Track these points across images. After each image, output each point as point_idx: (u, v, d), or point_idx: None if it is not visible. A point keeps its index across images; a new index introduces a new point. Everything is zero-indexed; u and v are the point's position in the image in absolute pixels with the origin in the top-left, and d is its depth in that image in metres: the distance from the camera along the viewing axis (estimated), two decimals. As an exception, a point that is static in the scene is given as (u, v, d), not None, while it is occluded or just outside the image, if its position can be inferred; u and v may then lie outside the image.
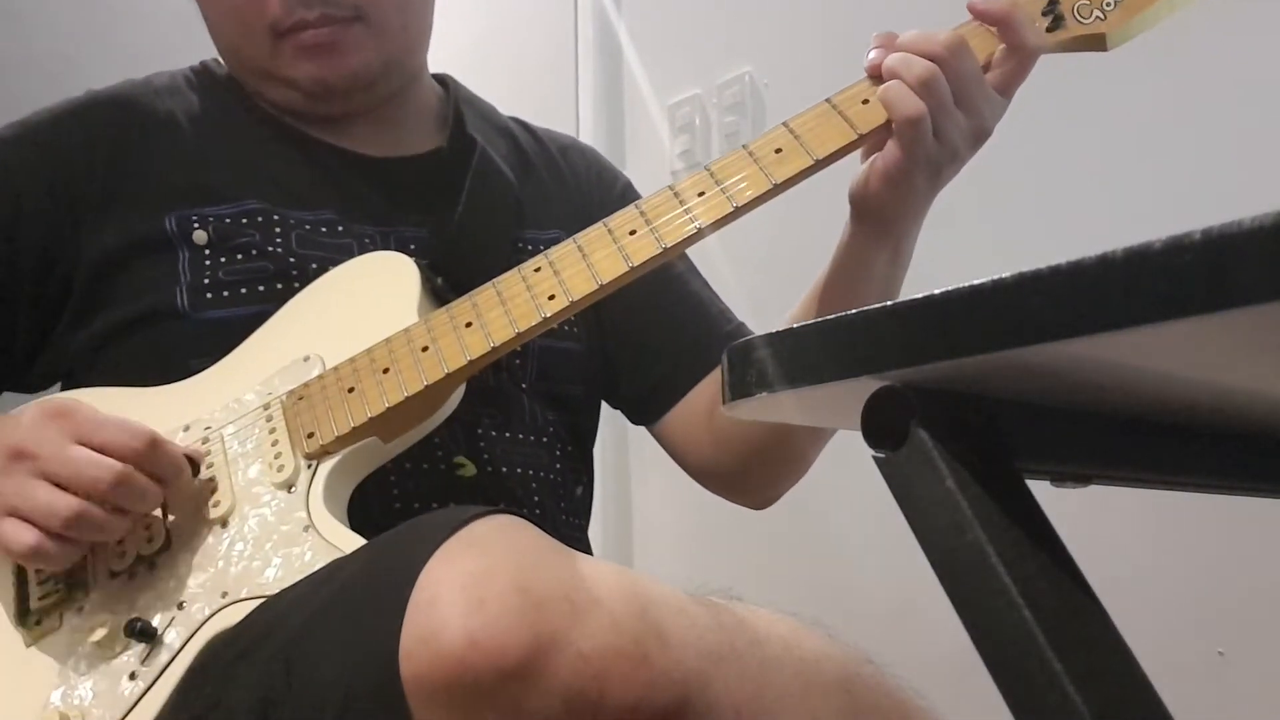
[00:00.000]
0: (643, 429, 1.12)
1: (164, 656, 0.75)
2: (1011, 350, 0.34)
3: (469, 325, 0.83)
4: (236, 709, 0.63)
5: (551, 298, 0.82)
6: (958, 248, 1.50)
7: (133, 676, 0.75)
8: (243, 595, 0.76)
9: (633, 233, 0.83)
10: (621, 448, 1.88)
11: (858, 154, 0.87)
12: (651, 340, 1.07)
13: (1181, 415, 0.45)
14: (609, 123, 2.01)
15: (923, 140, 0.81)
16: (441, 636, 0.55)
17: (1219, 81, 1.32)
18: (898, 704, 0.62)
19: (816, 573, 1.59)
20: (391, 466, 0.87)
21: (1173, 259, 0.30)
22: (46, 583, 0.83)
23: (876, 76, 0.83)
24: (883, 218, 0.88)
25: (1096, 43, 0.82)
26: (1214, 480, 0.53)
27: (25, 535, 0.76)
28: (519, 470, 0.95)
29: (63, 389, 0.99)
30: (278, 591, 0.73)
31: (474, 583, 0.56)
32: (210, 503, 0.81)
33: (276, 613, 0.70)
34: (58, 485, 0.76)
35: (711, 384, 1.05)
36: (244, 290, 0.92)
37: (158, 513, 0.81)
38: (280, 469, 0.81)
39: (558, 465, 0.99)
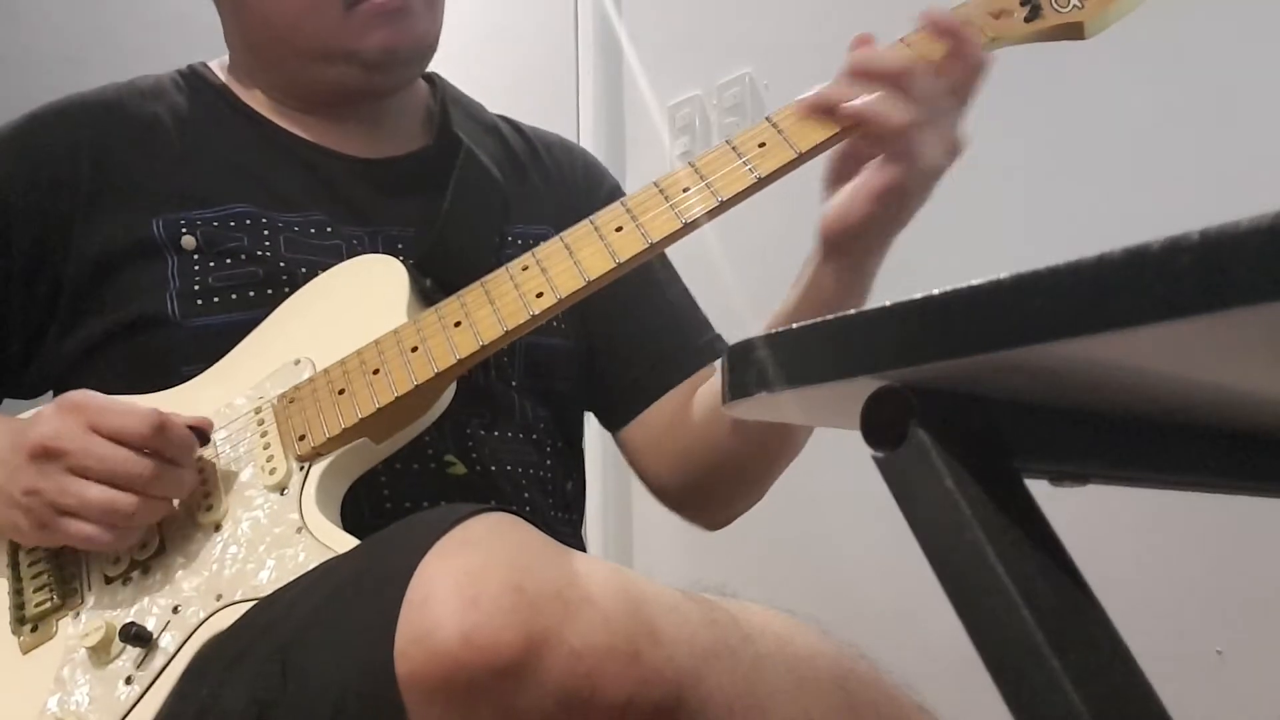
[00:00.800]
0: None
1: (159, 660, 0.75)
2: (1011, 350, 0.34)
3: (458, 325, 0.84)
4: (232, 710, 0.63)
5: (539, 295, 0.82)
6: (957, 248, 1.50)
7: (129, 681, 0.75)
8: (237, 598, 0.76)
9: (619, 229, 0.83)
10: (621, 448, 1.88)
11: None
12: (623, 347, 1.07)
13: (1180, 415, 0.45)
14: (609, 124, 2.02)
15: (918, 148, 0.80)
16: (436, 635, 0.55)
17: (1218, 81, 1.32)
18: (893, 701, 0.62)
19: (816, 572, 1.59)
20: (382, 467, 0.87)
21: (1171, 259, 0.30)
22: (42, 589, 0.83)
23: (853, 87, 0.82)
24: (864, 248, 0.87)
25: (1075, 31, 0.82)
26: (1213, 480, 0.53)
27: (92, 530, 0.77)
28: (509, 468, 0.95)
29: (54, 394, 0.99)
30: (272, 593, 0.74)
31: (468, 581, 0.56)
32: (203, 506, 0.81)
33: (271, 614, 0.70)
34: (96, 481, 0.77)
35: (677, 396, 1.05)
36: (234, 296, 0.92)
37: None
38: (272, 472, 0.81)
39: (548, 462, 0.99)
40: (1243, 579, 1.26)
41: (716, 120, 1.85)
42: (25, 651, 0.81)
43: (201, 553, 0.79)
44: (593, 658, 0.55)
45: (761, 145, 0.82)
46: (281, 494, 0.80)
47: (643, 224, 0.82)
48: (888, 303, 0.38)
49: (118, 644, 0.77)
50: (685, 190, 0.83)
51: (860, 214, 0.83)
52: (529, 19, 2.18)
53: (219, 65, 1.09)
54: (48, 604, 0.82)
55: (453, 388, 0.87)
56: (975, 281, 0.35)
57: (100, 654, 0.77)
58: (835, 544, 1.62)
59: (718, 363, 1.06)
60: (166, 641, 0.76)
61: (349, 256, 0.95)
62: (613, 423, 1.10)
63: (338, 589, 0.67)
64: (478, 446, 0.94)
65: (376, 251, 0.96)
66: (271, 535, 0.78)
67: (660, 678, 0.55)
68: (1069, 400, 0.41)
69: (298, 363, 0.88)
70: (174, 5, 2.02)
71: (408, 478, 0.90)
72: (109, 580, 0.81)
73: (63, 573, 0.83)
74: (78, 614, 0.81)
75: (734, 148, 0.83)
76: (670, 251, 1.03)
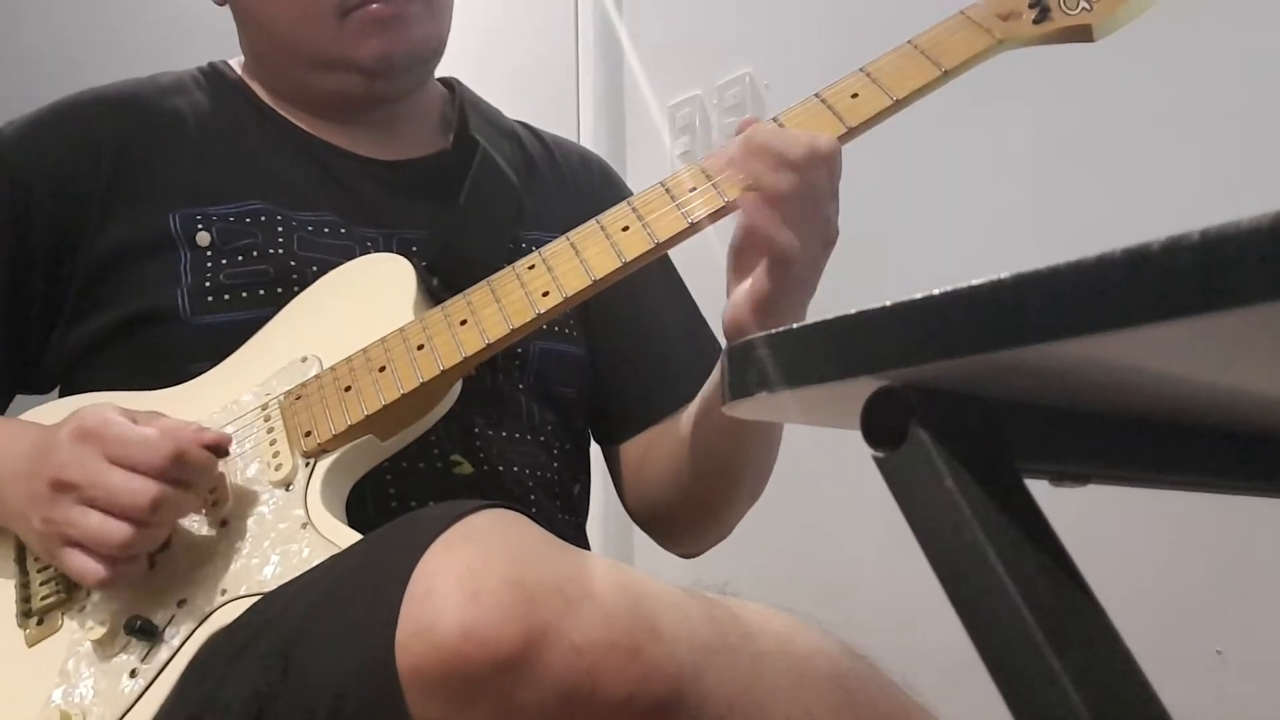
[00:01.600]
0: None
1: (164, 654, 0.75)
2: (1011, 350, 0.35)
3: (464, 323, 0.84)
4: (234, 703, 0.63)
5: (545, 294, 0.83)
6: (957, 248, 1.50)
7: (133, 674, 0.76)
8: (241, 593, 0.76)
9: (625, 229, 0.83)
10: (622, 447, 1.88)
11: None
12: (623, 368, 1.07)
13: (1180, 415, 0.45)
14: (609, 123, 2.02)
15: (784, 248, 0.79)
16: (437, 628, 0.56)
17: (1218, 81, 1.32)
18: (892, 699, 0.62)
19: (816, 572, 1.59)
20: (388, 465, 0.87)
21: (1171, 259, 0.30)
22: (48, 583, 0.84)
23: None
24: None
25: (1083, 34, 0.82)
26: (1213, 480, 0.53)
27: (95, 567, 0.76)
28: (515, 469, 0.96)
29: (61, 389, 0.99)
30: (275, 588, 0.74)
31: (469, 575, 0.57)
32: (209, 502, 0.81)
33: (275, 608, 0.70)
34: (100, 510, 0.76)
35: (666, 425, 1.05)
36: (244, 294, 0.92)
37: None
38: (278, 468, 0.81)
39: (555, 464, 0.99)
40: (1243, 579, 1.26)
41: (716, 120, 1.85)
42: (31, 644, 0.82)
43: (207, 547, 0.80)
44: (593, 653, 0.55)
45: None
46: (287, 490, 0.81)
47: (649, 224, 0.82)
48: (888, 303, 0.38)
49: (122, 637, 0.77)
50: (692, 190, 0.83)
51: (750, 320, 0.83)
52: (529, 19, 2.18)
53: (238, 64, 1.09)
54: (53, 598, 0.83)
55: (458, 385, 0.88)
56: (975, 281, 0.35)
57: (105, 647, 0.77)
58: (835, 544, 1.62)
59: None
60: (171, 635, 0.76)
61: (361, 256, 0.95)
62: (605, 439, 1.10)
63: (340, 583, 0.67)
64: (484, 446, 0.94)
65: (390, 253, 0.96)
66: (276, 531, 0.78)
67: (661, 674, 0.55)
68: (1069, 400, 0.41)
69: (305, 360, 0.88)
70: (174, 5, 2.02)
71: (414, 477, 0.90)
72: None
73: None
74: (83, 607, 0.81)
75: None
76: (672, 252, 1.03)
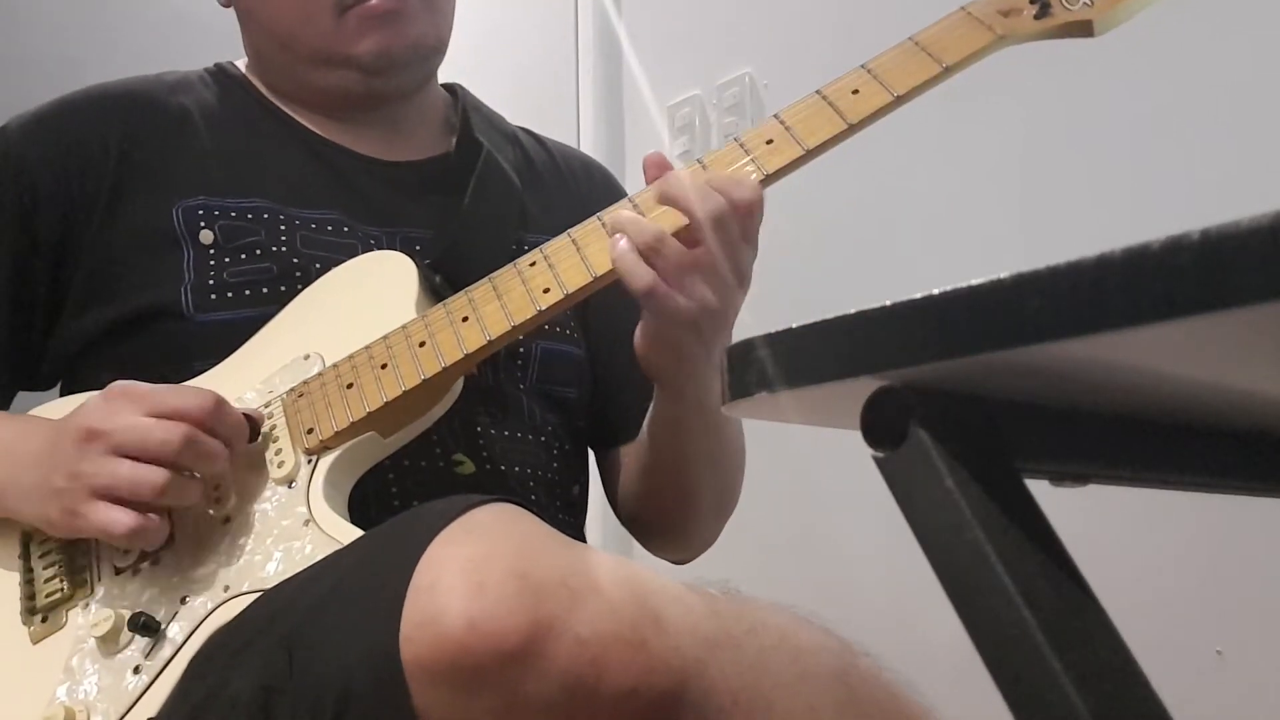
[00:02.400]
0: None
1: (167, 650, 0.76)
2: (1011, 350, 0.35)
3: (465, 320, 0.84)
4: (238, 697, 0.63)
5: (546, 291, 0.83)
6: (956, 248, 1.50)
7: (137, 670, 0.76)
8: (244, 589, 0.76)
9: None
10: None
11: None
12: (619, 376, 1.07)
13: (1181, 415, 0.45)
14: (609, 123, 2.02)
15: (664, 305, 0.79)
16: (441, 620, 0.56)
17: (1219, 81, 1.32)
18: (894, 697, 0.62)
19: (816, 572, 1.59)
20: (390, 464, 0.88)
21: (1171, 259, 0.30)
22: (52, 580, 0.84)
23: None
24: (667, 379, 0.89)
25: (1084, 29, 0.82)
26: (1213, 480, 0.53)
27: (122, 517, 0.76)
28: (517, 468, 0.96)
29: (63, 386, 0.99)
30: (278, 584, 0.74)
31: (474, 567, 0.57)
32: (212, 499, 0.82)
33: (279, 603, 0.71)
34: (131, 458, 0.76)
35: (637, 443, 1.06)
36: (247, 292, 0.93)
37: None
38: (281, 465, 0.82)
39: (555, 464, 1.00)
40: (1243, 579, 1.26)
41: (716, 120, 1.85)
42: (35, 641, 0.82)
43: (210, 544, 0.80)
44: (598, 645, 0.55)
45: (769, 142, 0.83)
46: (289, 487, 0.81)
47: (651, 220, 0.82)
48: (888, 303, 0.38)
49: (126, 634, 0.77)
50: None
51: (645, 351, 0.85)
52: (529, 19, 2.18)
53: (243, 64, 1.09)
54: (58, 594, 0.83)
55: (460, 383, 0.88)
56: (975, 281, 0.35)
57: (109, 644, 0.78)
58: (835, 544, 1.62)
59: None
60: (174, 632, 0.77)
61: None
62: (597, 443, 1.10)
63: (344, 577, 0.68)
64: (487, 446, 0.94)
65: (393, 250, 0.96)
66: (279, 528, 0.79)
67: (665, 666, 0.56)
68: (1069, 400, 0.41)
69: (307, 357, 0.88)
70: (174, 5, 2.02)
71: (416, 475, 0.90)
72: (118, 571, 0.82)
73: (73, 564, 0.84)
74: (87, 604, 0.82)
75: (741, 145, 0.84)
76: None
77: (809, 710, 0.58)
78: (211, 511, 0.81)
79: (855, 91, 0.83)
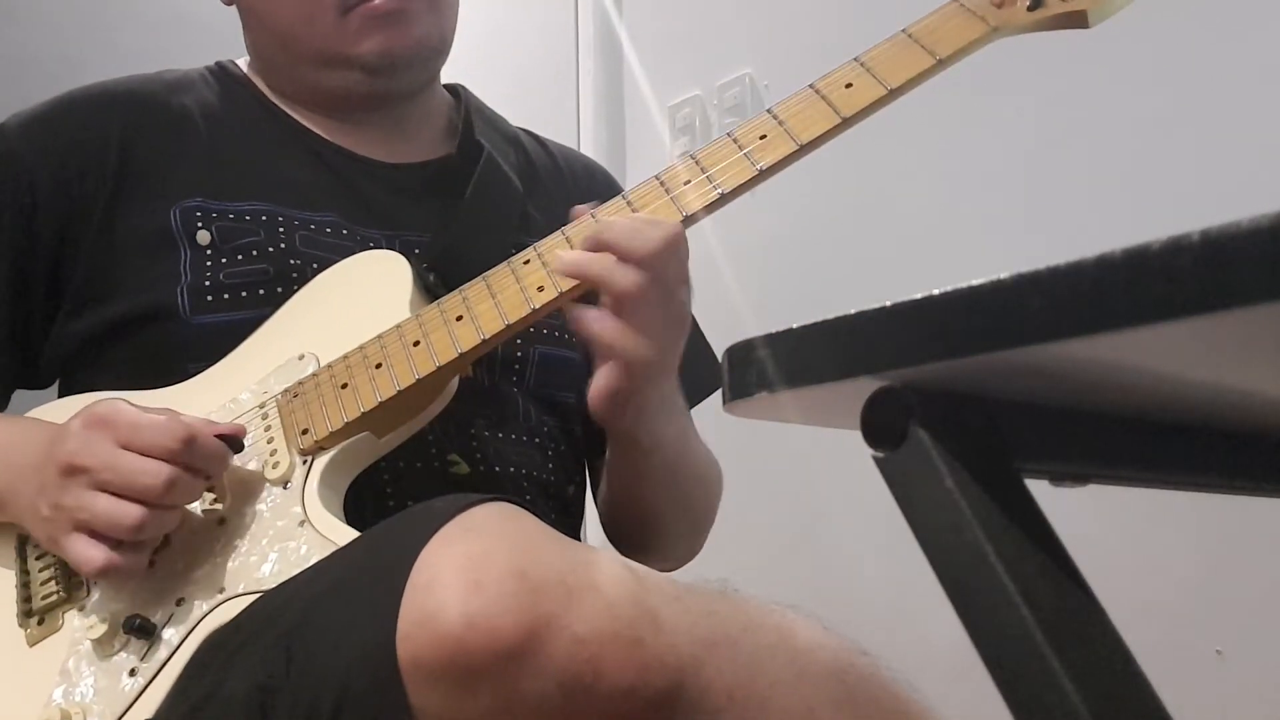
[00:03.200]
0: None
1: (163, 652, 0.76)
2: (1011, 350, 0.35)
3: (460, 319, 0.84)
4: (235, 697, 0.63)
5: (540, 289, 0.83)
6: (956, 248, 1.50)
7: (133, 673, 0.76)
8: (239, 590, 0.76)
9: None
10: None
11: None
12: None
13: (1180, 415, 0.45)
14: (609, 124, 2.02)
15: (633, 355, 0.79)
16: (439, 618, 0.56)
17: (1218, 81, 1.32)
18: (892, 695, 0.62)
19: (816, 572, 1.59)
20: (386, 465, 0.87)
21: (1171, 259, 0.30)
22: (48, 583, 0.84)
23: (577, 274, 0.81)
24: (625, 428, 0.89)
25: (1078, 20, 0.82)
26: (1213, 480, 0.53)
27: (95, 554, 0.75)
28: (512, 469, 0.96)
29: (60, 386, 0.99)
30: (275, 585, 0.74)
31: (471, 565, 0.57)
32: (207, 500, 0.81)
33: (276, 603, 0.70)
34: (112, 494, 0.76)
35: None
36: (244, 294, 0.92)
37: None
38: (276, 465, 0.82)
39: (550, 465, 0.99)
40: (1243, 579, 1.26)
41: (716, 120, 1.85)
42: (32, 644, 0.82)
43: (205, 546, 0.80)
44: (595, 643, 0.55)
45: (762, 137, 0.82)
46: (284, 488, 0.81)
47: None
48: (888, 303, 0.38)
49: (121, 636, 0.77)
50: (686, 183, 0.83)
51: (604, 411, 0.84)
52: (529, 19, 2.18)
53: (245, 64, 1.09)
54: (54, 597, 0.83)
55: (455, 382, 0.88)
56: (975, 281, 0.35)
57: (104, 646, 0.77)
58: (835, 544, 1.62)
59: None
60: (170, 634, 0.76)
61: None
62: (590, 452, 1.10)
63: (342, 576, 0.67)
64: (482, 447, 0.94)
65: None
66: (274, 529, 0.78)
67: (662, 664, 0.56)
68: (1069, 400, 0.41)
69: (302, 358, 0.88)
70: (173, 6, 2.02)
71: (411, 476, 0.90)
72: None
73: (69, 566, 0.84)
74: (83, 607, 0.82)
75: (735, 140, 0.83)
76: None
77: (806, 709, 0.58)
78: (206, 513, 0.81)
79: (849, 85, 0.82)
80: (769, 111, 0.83)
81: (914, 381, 0.38)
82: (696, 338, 1.11)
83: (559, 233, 0.85)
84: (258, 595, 0.74)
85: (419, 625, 0.57)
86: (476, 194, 1.00)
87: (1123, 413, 0.44)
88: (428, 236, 0.99)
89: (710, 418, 1.01)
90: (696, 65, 1.89)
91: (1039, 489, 0.40)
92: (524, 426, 0.98)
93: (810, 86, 0.83)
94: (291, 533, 0.77)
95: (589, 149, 1.90)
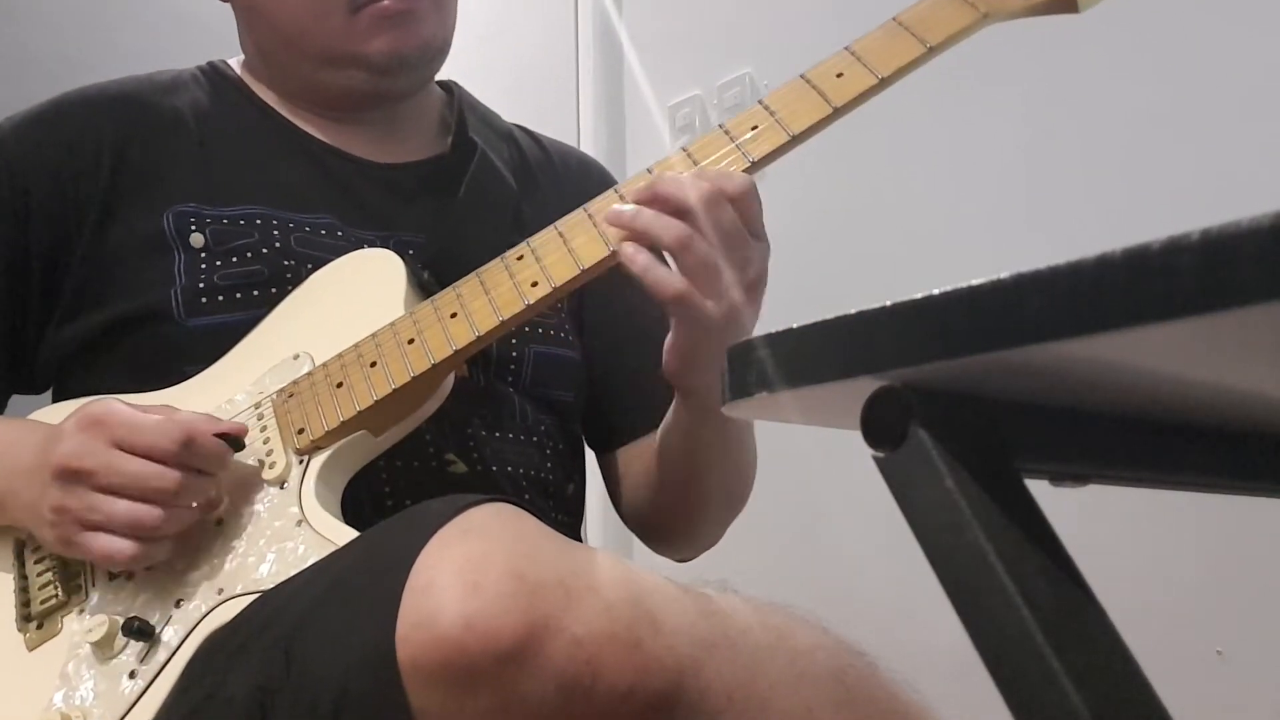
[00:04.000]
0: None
1: (162, 655, 0.75)
2: (1011, 350, 0.35)
3: (454, 316, 0.84)
4: (235, 699, 0.63)
5: (534, 284, 0.82)
6: (957, 248, 1.50)
7: (132, 675, 0.76)
8: (238, 591, 0.76)
9: None
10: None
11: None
12: (620, 378, 1.07)
13: (1181, 415, 0.45)
14: (609, 123, 2.01)
15: (693, 310, 0.78)
16: (438, 620, 0.56)
17: (1218, 80, 1.32)
18: (892, 696, 0.62)
19: (816, 572, 1.59)
20: (383, 464, 0.87)
21: (1171, 259, 0.30)
22: (47, 586, 0.84)
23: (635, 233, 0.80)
24: (699, 392, 0.88)
25: (1068, 5, 0.82)
26: (1213, 480, 0.53)
27: (122, 544, 0.76)
28: (509, 469, 0.96)
29: (55, 389, 0.99)
30: (274, 587, 0.74)
31: (470, 567, 0.57)
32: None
33: (275, 604, 0.70)
34: (123, 497, 0.76)
35: (642, 443, 1.06)
36: (238, 295, 0.92)
37: None
38: (272, 466, 0.81)
39: (548, 464, 0.99)
40: (1243, 579, 1.26)
41: (716, 120, 1.85)
42: (31, 648, 0.82)
43: (202, 547, 0.80)
44: (594, 645, 0.55)
45: (754, 129, 0.82)
46: (281, 488, 0.81)
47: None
48: (888, 303, 0.37)
49: (121, 639, 0.77)
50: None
51: (676, 367, 0.84)
52: (529, 19, 2.18)
53: (237, 63, 1.09)
54: (53, 601, 0.83)
55: (451, 379, 0.88)
56: (975, 281, 0.35)
57: (104, 649, 0.77)
58: (835, 544, 1.62)
59: None
60: (169, 636, 0.76)
61: None
62: (597, 445, 1.10)
63: (340, 577, 0.67)
64: (479, 446, 0.94)
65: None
66: (272, 529, 0.78)
67: (661, 666, 0.56)
68: (1069, 400, 0.41)
69: (296, 357, 0.88)
70: (173, 6, 2.02)
71: (409, 476, 0.90)
72: (112, 576, 0.82)
73: (67, 570, 0.84)
74: (82, 610, 0.81)
75: (726, 131, 0.83)
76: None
77: (806, 710, 0.58)
78: (203, 514, 0.81)
79: (840, 75, 0.82)
80: (761, 103, 0.83)
81: (914, 381, 0.38)
82: None
83: (552, 228, 0.85)
84: (256, 596, 0.74)
85: (418, 627, 0.57)
86: (470, 192, 1.00)
87: (1123, 413, 0.44)
88: (422, 236, 0.99)
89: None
90: (696, 65, 1.89)
91: (1039, 489, 0.40)
92: (521, 426, 0.98)
93: (801, 76, 0.83)
94: (289, 533, 0.77)
95: (589, 149, 1.90)
